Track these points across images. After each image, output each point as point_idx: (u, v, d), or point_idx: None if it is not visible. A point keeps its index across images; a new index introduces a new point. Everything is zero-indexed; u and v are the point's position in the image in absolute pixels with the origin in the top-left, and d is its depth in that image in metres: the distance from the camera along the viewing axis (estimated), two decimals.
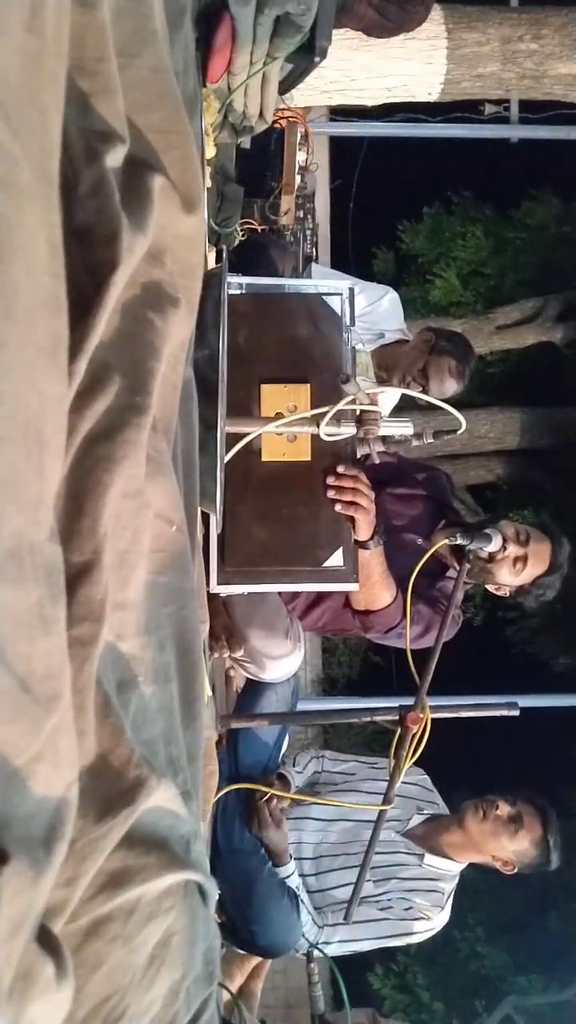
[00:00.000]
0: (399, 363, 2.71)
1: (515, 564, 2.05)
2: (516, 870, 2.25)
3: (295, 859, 2.19)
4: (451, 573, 2.18)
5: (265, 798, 2.08)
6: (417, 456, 5.75)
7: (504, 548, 2.00)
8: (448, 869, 2.25)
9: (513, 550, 2.03)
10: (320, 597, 2.19)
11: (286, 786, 2.22)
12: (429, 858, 2.25)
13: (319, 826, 2.29)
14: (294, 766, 2.39)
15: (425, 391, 2.65)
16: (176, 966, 0.86)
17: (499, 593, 2.19)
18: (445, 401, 1.72)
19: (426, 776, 2.42)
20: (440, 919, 2.22)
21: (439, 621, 1.90)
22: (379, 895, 2.20)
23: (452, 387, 2.69)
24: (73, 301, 0.72)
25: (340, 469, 1.69)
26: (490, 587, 2.18)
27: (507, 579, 2.09)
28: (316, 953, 2.13)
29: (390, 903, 2.19)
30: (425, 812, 2.33)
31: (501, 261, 7.31)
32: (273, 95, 1.80)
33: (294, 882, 2.14)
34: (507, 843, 2.19)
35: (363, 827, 2.20)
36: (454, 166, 6.85)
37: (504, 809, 2.18)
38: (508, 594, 2.18)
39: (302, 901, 2.12)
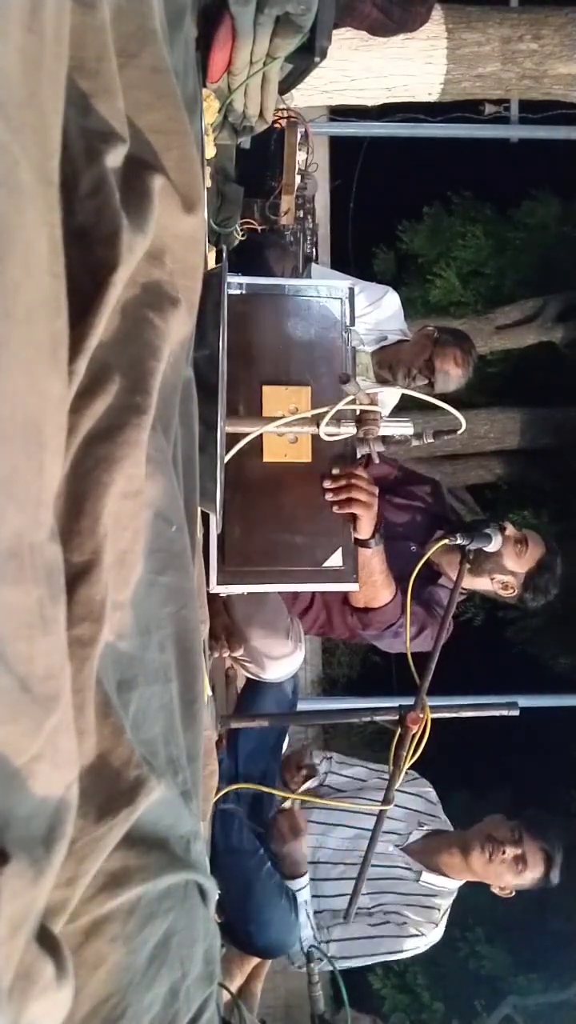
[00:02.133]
0: (403, 358, 2.72)
1: (517, 546, 2.08)
2: (513, 895, 2.25)
3: None
4: (443, 581, 2.20)
5: (281, 806, 2.09)
6: (417, 456, 5.75)
7: (503, 530, 2.03)
8: (444, 886, 2.23)
9: (511, 531, 2.06)
10: (315, 599, 2.19)
11: (312, 776, 2.21)
12: (427, 875, 2.22)
13: (319, 830, 2.28)
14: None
15: (431, 384, 2.66)
16: (176, 966, 0.86)
17: (505, 593, 2.20)
18: (447, 399, 1.72)
19: (431, 788, 2.39)
20: (434, 935, 2.20)
21: (433, 623, 1.90)
22: (373, 908, 2.19)
23: (457, 378, 2.70)
24: (73, 301, 0.72)
25: (335, 471, 1.69)
26: (496, 587, 2.18)
27: (514, 564, 2.11)
28: (316, 953, 2.12)
29: (385, 919, 2.18)
30: (426, 827, 2.30)
31: (501, 261, 7.30)
32: (273, 95, 1.80)
33: (305, 896, 2.12)
34: (510, 880, 2.19)
35: (363, 836, 2.19)
36: (454, 166, 6.83)
37: (510, 852, 2.16)
38: (514, 589, 2.19)
39: (308, 914, 2.12)
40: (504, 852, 2.15)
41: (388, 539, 1.87)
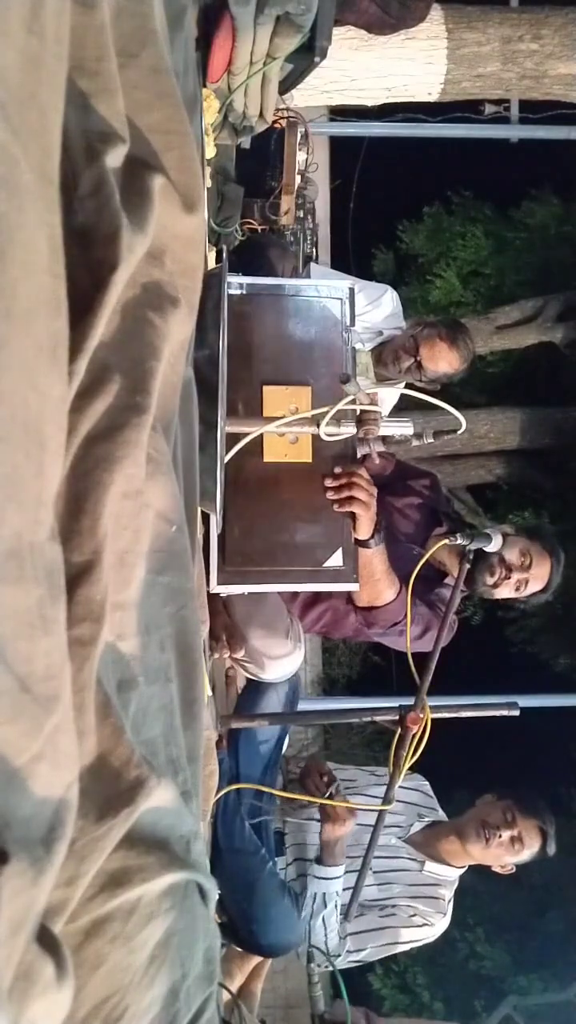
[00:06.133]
0: (391, 344, 2.73)
1: (517, 588, 2.12)
2: (514, 870, 2.30)
3: (299, 860, 2.19)
4: (449, 580, 2.20)
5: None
6: (417, 456, 5.75)
7: (508, 576, 2.06)
8: (447, 875, 2.28)
9: (517, 576, 2.09)
10: (318, 597, 2.19)
11: (333, 781, 2.23)
12: (430, 865, 2.27)
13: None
14: None
15: (420, 367, 2.66)
16: (176, 966, 0.86)
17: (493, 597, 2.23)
18: (448, 398, 1.72)
19: (426, 782, 2.45)
20: (442, 925, 2.25)
21: (437, 623, 1.90)
22: (382, 900, 2.22)
23: (448, 359, 2.68)
24: (73, 301, 0.72)
25: (337, 470, 1.69)
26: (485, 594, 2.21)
27: (509, 594, 2.15)
28: (316, 954, 2.12)
29: (394, 911, 2.21)
30: (426, 819, 2.35)
31: (501, 261, 7.30)
32: (273, 95, 1.80)
33: (338, 886, 2.14)
34: (508, 860, 2.24)
35: (367, 831, 2.22)
36: (454, 166, 6.84)
37: (506, 834, 2.20)
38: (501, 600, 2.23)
39: (336, 904, 2.12)
40: (500, 835, 2.20)
41: (390, 542, 1.87)
